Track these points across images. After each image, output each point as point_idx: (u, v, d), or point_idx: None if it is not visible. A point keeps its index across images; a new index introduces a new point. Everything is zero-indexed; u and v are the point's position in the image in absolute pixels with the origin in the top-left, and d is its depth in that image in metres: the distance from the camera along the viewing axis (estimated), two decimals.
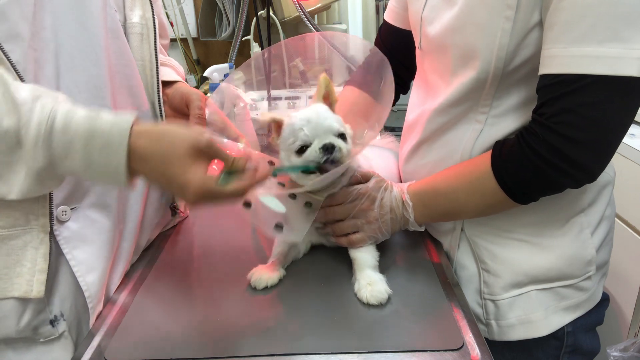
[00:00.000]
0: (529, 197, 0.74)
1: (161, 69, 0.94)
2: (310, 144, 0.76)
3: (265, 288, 0.79)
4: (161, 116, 0.90)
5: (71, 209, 0.72)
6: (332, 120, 0.78)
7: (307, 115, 0.77)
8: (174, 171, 0.60)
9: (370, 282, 0.76)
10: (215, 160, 0.64)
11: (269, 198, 0.80)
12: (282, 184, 0.86)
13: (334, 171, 0.76)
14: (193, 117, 0.86)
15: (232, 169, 0.64)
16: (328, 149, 0.75)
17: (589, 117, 0.65)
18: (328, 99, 0.82)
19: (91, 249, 0.75)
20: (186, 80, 2.41)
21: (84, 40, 0.73)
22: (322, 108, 0.80)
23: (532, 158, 0.69)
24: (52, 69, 0.69)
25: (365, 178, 0.84)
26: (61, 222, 0.71)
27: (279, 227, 0.80)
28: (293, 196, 0.83)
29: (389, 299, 0.74)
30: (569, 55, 0.64)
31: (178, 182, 0.60)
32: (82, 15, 0.72)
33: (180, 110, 0.92)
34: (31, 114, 0.58)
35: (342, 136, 0.78)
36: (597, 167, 0.69)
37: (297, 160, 0.77)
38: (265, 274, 0.79)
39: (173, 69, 1.02)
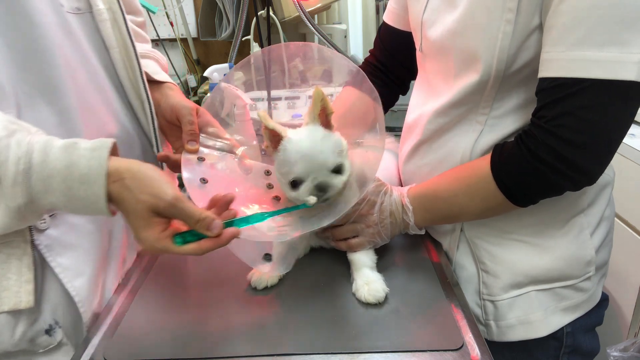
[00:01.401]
0: (529, 200, 0.74)
1: (144, 61, 0.91)
2: (304, 180, 0.74)
3: (266, 288, 0.79)
4: (149, 101, 0.87)
5: (50, 216, 0.70)
6: (328, 153, 0.73)
7: (302, 148, 0.73)
8: (133, 224, 0.61)
9: (367, 281, 0.76)
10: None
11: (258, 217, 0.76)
12: (277, 198, 0.83)
13: (336, 216, 0.74)
14: (185, 134, 0.84)
15: (194, 229, 0.63)
16: (321, 189, 0.73)
17: (588, 120, 0.65)
18: (324, 113, 0.76)
19: (76, 254, 0.73)
20: (186, 81, 2.39)
21: (36, 39, 0.69)
22: (318, 134, 0.75)
23: (532, 161, 0.69)
24: (3, 74, 0.65)
25: None
26: (41, 231, 0.69)
27: (267, 257, 0.78)
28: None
29: (386, 297, 0.75)
30: (568, 59, 0.64)
31: (135, 235, 0.62)
32: (29, 13, 0.68)
33: (173, 122, 0.89)
34: (8, 151, 0.57)
35: (339, 167, 0.74)
36: (596, 169, 0.69)
37: (289, 191, 0.75)
38: (265, 274, 0.79)
39: (156, 61, 0.97)
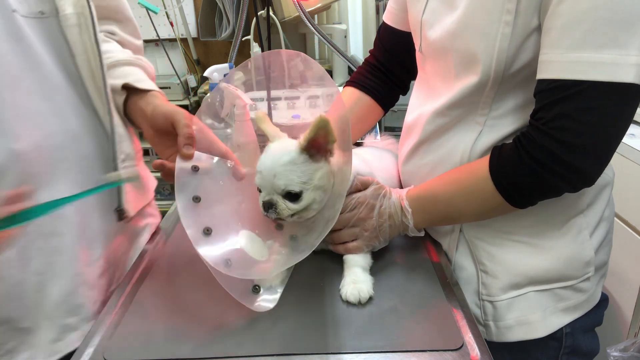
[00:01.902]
0: (527, 201, 0.74)
1: (129, 69, 0.90)
2: (261, 190, 0.77)
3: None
4: (108, 106, 0.84)
5: None
6: (280, 177, 0.74)
7: (262, 163, 0.76)
8: None
9: (355, 280, 0.76)
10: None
11: (246, 239, 0.76)
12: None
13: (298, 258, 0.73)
14: (182, 138, 0.81)
15: None
16: (267, 207, 0.76)
17: (586, 122, 0.65)
18: (324, 140, 0.73)
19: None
20: (186, 81, 2.38)
21: None
22: (285, 158, 0.74)
23: (530, 163, 0.69)
24: None
25: (364, 185, 0.84)
26: None
27: (256, 289, 0.76)
28: (280, 227, 0.82)
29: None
30: (566, 61, 0.64)
31: None
32: None
33: (165, 130, 0.85)
34: None
35: (294, 195, 0.74)
36: (594, 171, 0.69)
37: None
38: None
39: (142, 69, 0.94)
